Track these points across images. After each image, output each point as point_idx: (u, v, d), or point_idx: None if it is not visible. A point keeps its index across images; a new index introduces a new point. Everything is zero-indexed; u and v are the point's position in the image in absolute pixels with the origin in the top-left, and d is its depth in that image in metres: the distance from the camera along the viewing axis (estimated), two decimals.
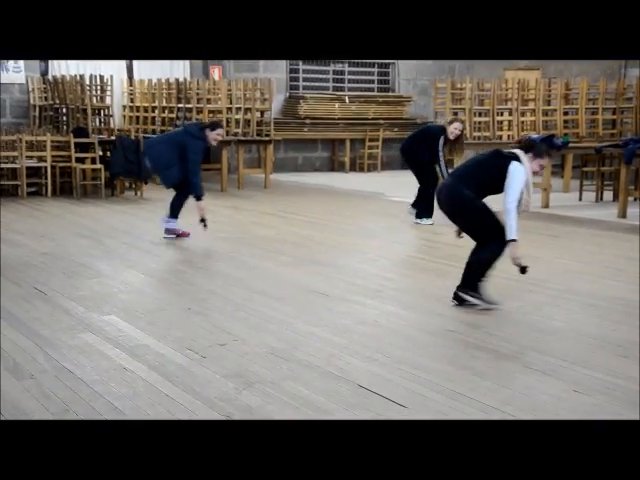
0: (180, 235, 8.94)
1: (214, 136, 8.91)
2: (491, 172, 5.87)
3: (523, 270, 5.80)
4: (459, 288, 5.99)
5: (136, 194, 13.11)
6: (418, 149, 10.33)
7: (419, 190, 10.45)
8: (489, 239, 5.90)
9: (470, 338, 5.29)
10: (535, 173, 5.95)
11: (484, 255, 5.95)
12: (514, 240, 5.70)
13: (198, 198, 8.73)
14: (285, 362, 4.73)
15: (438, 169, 10.11)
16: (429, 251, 8.94)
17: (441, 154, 10.07)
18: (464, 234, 6.22)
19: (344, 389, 4.30)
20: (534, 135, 12.86)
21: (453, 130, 10.07)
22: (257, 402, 4.08)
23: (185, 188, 8.83)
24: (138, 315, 5.78)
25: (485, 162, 6.09)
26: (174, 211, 8.95)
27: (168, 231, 8.93)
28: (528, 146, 5.95)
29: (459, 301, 5.98)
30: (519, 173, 5.72)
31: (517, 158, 5.76)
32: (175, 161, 8.71)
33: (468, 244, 8.53)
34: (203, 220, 8.76)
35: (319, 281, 6.92)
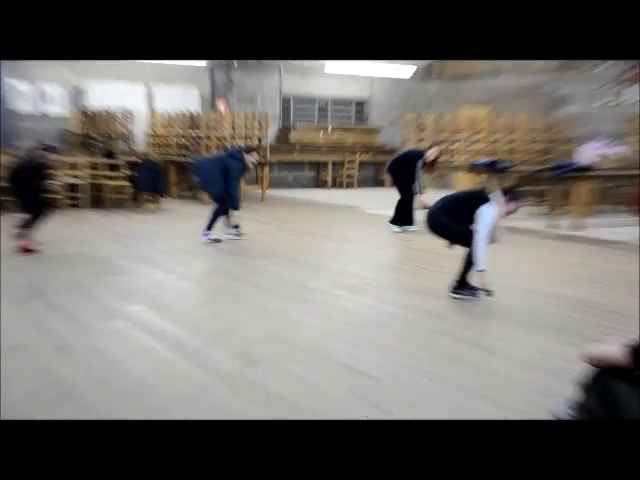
0: (215, 240, 8.96)
1: (250, 159, 8.97)
2: (465, 208, 5.89)
3: (489, 293, 5.88)
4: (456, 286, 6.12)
5: (155, 206, 13.08)
6: (400, 169, 10.43)
7: (398, 202, 10.49)
8: (468, 246, 5.97)
9: (433, 325, 5.32)
10: (509, 213, 5.88)
11: (468, 257, 6.01)
12: (483, 270, 5.79)
13: (235, 209, 8.84)
14: (281, 345, 4.75)
15: (416, 185, 10.20)
16: (399, 254, 9.00)
17: (418, 173, 10.15)
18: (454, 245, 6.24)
19: (330, 367, 4.32)
20: (479, 160, 12.94)
21: (431, 154, 10.26)
22: (259, 377, 4.10)
23: (224, 203, 8.90)
24: (159, 305, 5.79)
25: (461, 201, 6.11)
26: (210, 223, 8.97)
27: (208, 237, 9.00)
28: (506, 190, 5.90)
29: (457, 295, 6.08)
30: (486, 216, 5.76)
31: (483, 199, 5.80)
32: (219, 178, 8.77)
33: (430, 248, 8.57)
34: (237, 226, 8.94)
35: (308, 278, 6.94)
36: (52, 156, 8.27)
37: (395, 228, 10.41)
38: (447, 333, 5.11)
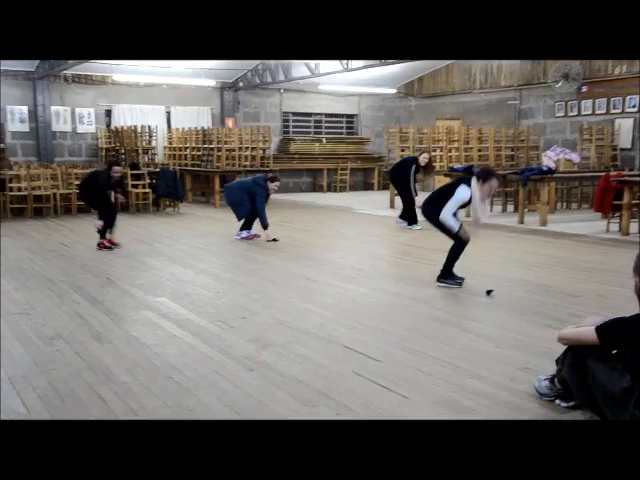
0: (253, 236, 9.08)
1: (273, 186, 9.03)
2: (447, 194, 5.82)
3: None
4: (440, 275, 6.05)
5: (174, 210, 12.99)
6: (399, 175, 10.52)
7: (403, 204, 10.49)
8: (453, 238, 5.91)
9: (422, 310, 5.27)
10: (488, 195, 5.78)
11: (451, 250, 5.96)
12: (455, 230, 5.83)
13: (265, 227, 8.84)
14: (290, 330, 4.70)
15: (412, 187, 10.21)
16: (388, 248, 8.94)
17: (412, 177, 10.19)
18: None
19: (334, 349, 4.27)
20: (457, 165, 12.90)
21: (422, 159, 10.29)
22: (272, 359, 4.05)
23: (251, 220, 9.05)
24: (181, 297, 5.73)
25: (446, 188, 6.03)
26: (244, 226, 9.12)
27: (242, 236, 9.08)
28: (478, 175, 5.77)
29: (442, 284, 6.01)
30: (460, 192, 5.69)
31: (466, 182, 5.73)
32: (245, 201, 8.89)
33: (417, 243, 8.51)
34: (274, 239, 8.83)
35: (310, 271, 6.88)
36: (116, 169, 8.47)
37: (401, 223, 10.43)
38: (435, 317, 5.06)
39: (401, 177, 10.41)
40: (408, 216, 10.31)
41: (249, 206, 8.92)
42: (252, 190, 8.87)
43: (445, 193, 5.86)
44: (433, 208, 5.88)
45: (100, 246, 8.22)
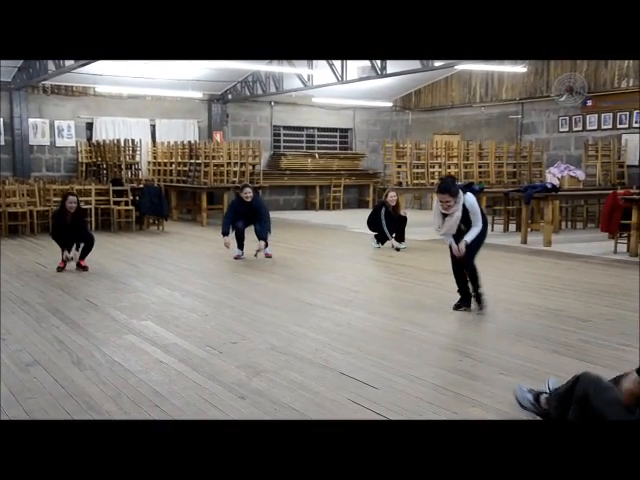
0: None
1: (243, 195, 9.08)
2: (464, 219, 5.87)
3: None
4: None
5: (159, 228, 12.98)
6: (371, 224, 10.51)
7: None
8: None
9: (421, 335, 5.27)
10: (442, 202, 5.73)
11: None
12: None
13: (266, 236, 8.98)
14: (283, 355, 4.69)
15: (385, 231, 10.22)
16: (385, 269, 8.95)
17: (382, 221, 10.15)
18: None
19: (329, 375, 4.27)
20: (457, 182, 13.00)
21: (391, 199, 10.36)
22: (264, 386, 4.04)
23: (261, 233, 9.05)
24: (167, 320, 5.71)
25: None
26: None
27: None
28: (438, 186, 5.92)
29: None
30: (474, 203, 5.79)
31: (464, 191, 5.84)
32: (255, 220, 9.06)
33: (414, 263, 8.54)
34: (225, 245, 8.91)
35: (304, 293, 6.88)
36: (70, 199, 8.19)
37: (375, 243, 10.49)
38: (435, 342, 5.07)
39: (373, 225, 10.48)
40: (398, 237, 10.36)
41: (260, 221, 9.01)
42: (258, 207, 9.08)
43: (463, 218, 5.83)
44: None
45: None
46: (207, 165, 14.15)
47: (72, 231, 8.10)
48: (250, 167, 14.77)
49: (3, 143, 15.35)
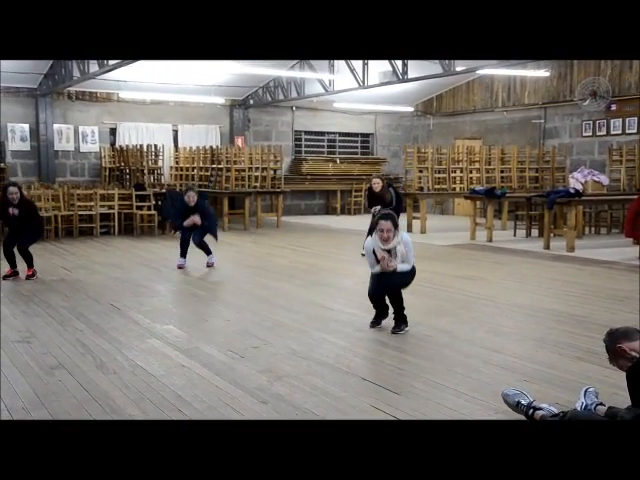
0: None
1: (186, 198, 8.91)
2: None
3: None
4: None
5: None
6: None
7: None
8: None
9: (443, 340, 5.25)
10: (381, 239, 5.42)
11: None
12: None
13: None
14: (304, 360, 4.70)
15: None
16: None
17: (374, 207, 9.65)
18: None
19: (351, 381, 4.26)
20: (478, 187, 12.93)
21: (374, 185, 9.71)
22: (286, 391, 4.05)
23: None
24: (189, 325, 5.75)
25: None
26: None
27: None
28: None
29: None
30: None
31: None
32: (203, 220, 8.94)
33: (436, 269, 8.50)
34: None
35: (325, 298, 6.88)
36: (10, 189, 7.86)
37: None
38: (457, 348, 5.04)
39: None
40: None
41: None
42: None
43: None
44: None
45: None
46: (229, 170, 14.22)
47: (19, 221, 7.81)
48: (271, 172, 14.83)
49: (29, 149, 15.56)
